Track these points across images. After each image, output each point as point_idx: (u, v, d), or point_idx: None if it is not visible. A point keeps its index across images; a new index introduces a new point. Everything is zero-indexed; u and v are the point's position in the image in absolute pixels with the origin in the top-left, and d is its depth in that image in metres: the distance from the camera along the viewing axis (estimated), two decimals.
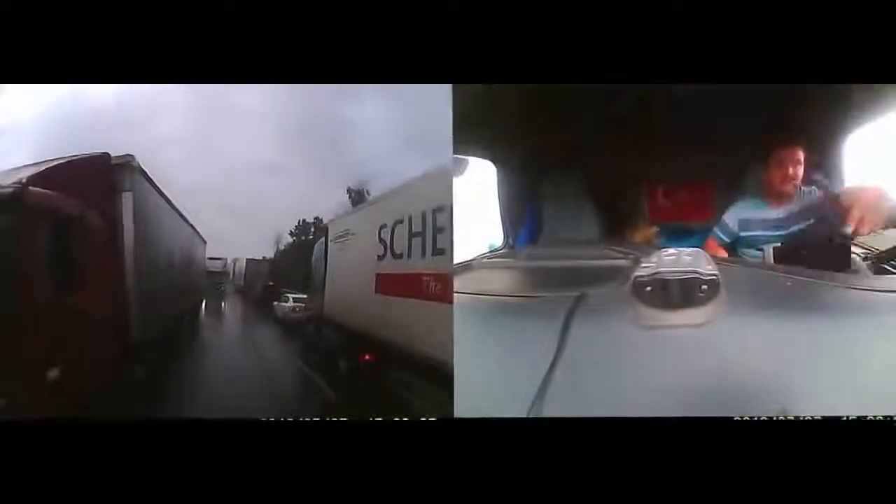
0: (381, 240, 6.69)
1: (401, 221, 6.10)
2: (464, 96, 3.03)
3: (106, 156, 5.63)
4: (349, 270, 8.27)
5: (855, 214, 3.02)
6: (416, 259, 5.62)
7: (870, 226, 2.96)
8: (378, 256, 6.73)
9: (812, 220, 3.40)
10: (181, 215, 10.72)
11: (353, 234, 8.27)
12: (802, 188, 3.49)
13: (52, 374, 3.79)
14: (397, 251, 6.20)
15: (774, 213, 3.50)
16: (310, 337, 10.55)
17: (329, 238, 9.70)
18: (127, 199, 5.70)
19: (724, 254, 3.49)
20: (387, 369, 6.10)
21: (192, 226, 12.98)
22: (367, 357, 6.88)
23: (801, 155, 3.39)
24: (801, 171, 3.41)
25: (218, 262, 23.15)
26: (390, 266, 6.38)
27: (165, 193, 8.31)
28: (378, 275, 6.70)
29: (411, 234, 5.76)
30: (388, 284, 6.40)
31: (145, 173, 6.49)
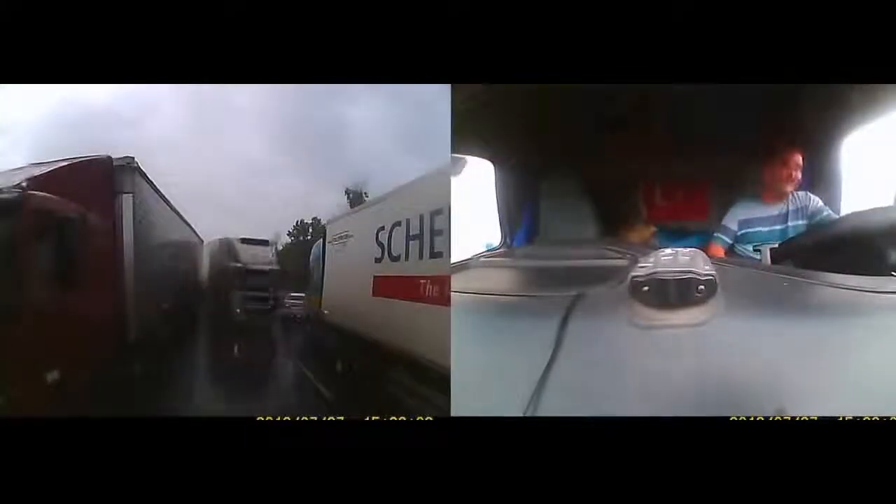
0: (378, 242, 6.71)
1: (399, 224, 6.11)
2: (463, 96, 3.04)
3: (107, 158, 5.68)
4: (347, 272, 8.29)
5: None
6: (414, 262, 5.64)
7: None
8: (376, 259, 6.74)
9: (806, 221, 3.46)
10: (180, 216, 10.75)
11: (350, 235, 8.27)
12: (795, 191, 3.55)
13: (52, 376, 3.83)
14: (395, 254, 6.21)
15: (770, 210, 3.55)
16: (306, 337, 10.44)
17: (327, 239, 9.72)
18: (127, 201, 5.77)
19: (726, 255, 3.53)
20: (383, 371, 6.12)
21: (189, 226, 12.85)
22: (362, 358, 6.94)
23: (800, 158, 3.45)
24: (800, 173, 3.47)
25: (260, 249, 14.63)
26: (388, 268, 6.39)
27: (164, 194, 8.37)
28: (375, 277, 6.70)
29: (409, 237, 5.78)
30: (386, 287, 6.39)
31: (145, 175, 6.55)
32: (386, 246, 6.46)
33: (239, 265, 13.51)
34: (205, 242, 16.30)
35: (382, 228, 6.63)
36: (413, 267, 5.63)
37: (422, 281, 5.23)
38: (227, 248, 14.50)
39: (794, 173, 3.48)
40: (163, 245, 8.35)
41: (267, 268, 13.98)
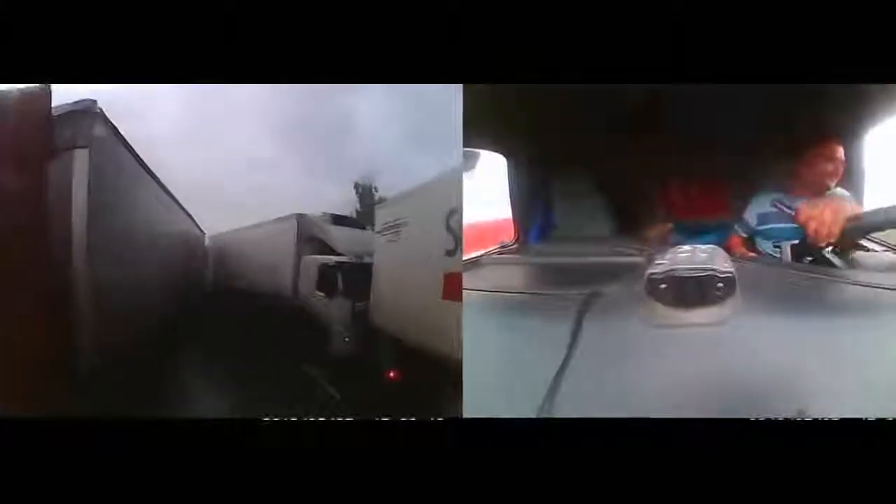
0: (449, 229, 5.25)
1: None
2: (474, 94, 3.01)
3: (43, 92, 3.80)
4: (403, 269, 6.57)
5: (812, 226, 3.12)
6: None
7: (826, 238, 2.95)
8: (447, 251, 5.28)
9: None
10: (170, 195, 8.54)
11: (407, 223, 6.56)
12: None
13: None
14: None
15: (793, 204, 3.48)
16: (350, 350, 7.32)
17: (375, 228, 7.71)
18: (80, 158, 4.21)
19: (746, 251, 3.48)
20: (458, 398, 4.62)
21: (187, 212, 10.51)
22: (425, 379, 5.35)
23: (842, 151, 3.37)
24: (841, 167, 3.39)
25: (362, 234, 9.37)
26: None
27: (143, 159, 6.27)
28: (447, 275, 5.20)
29: None
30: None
31: (113, 127, 4.98)
32: (461, 234, 4.92)
33: (343, 259, 8.10)
34: (257, 224, 11.83)
35: (454, 212, 5.11)
36: None
37: None
38: (307, 231, 9.27)
39: (836, 168, 3.39)
40: (135, 221, 6.22)
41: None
